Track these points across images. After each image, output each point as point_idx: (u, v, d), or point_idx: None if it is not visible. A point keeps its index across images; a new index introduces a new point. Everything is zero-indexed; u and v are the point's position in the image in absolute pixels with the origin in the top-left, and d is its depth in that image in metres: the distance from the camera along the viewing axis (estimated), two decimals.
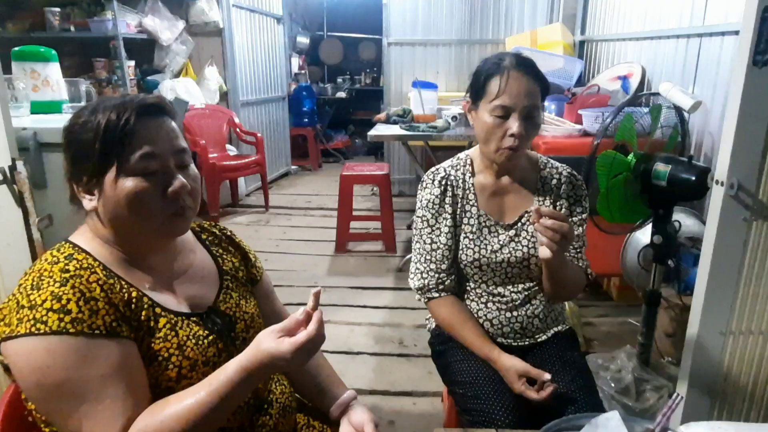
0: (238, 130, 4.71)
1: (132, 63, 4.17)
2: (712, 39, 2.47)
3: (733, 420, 1.43)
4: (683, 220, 2.02)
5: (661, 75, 2.93)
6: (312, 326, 0.82)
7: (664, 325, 2.17)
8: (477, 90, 1.34)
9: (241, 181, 4.91)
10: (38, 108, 2.41)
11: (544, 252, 1.18)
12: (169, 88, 4.33)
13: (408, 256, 3.39)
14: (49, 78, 2.45)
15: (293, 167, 6.30)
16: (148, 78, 4.41)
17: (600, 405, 1.32)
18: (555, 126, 2.80)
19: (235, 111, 4.83)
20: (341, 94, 7.23)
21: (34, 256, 1.38)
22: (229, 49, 4.75)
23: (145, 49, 4.42)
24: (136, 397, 0.82)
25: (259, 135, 4.66)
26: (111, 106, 0.87)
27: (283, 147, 6.08)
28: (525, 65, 1.30)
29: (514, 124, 1.27)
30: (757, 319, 1.47)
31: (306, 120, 6.48)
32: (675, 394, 0.99)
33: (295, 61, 6.91)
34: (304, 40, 7.34)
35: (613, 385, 1.88)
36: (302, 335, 0.81)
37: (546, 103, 3.10)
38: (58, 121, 2.08)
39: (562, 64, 3.70)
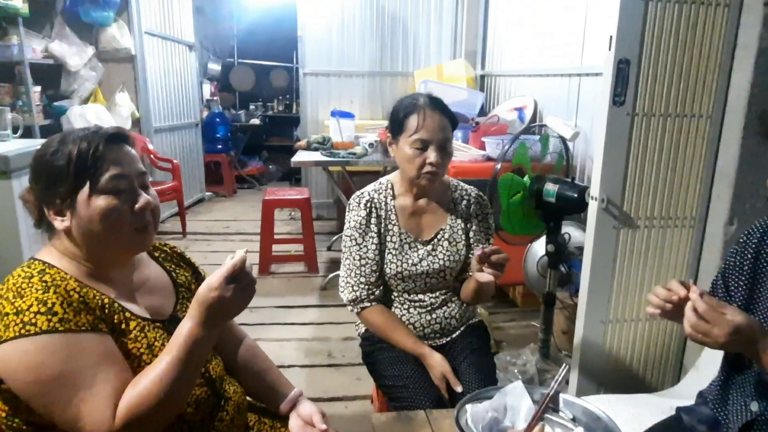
0: (152, 156, 4.66)
1: (38, 89, 4.03)
2: (589, 78, 2.91)
3: (615, 393, 1.73)
4: (572, 232, 2.36)
5: (551, 107, 3.35)
6: (235, 258, 0.93)
7: (560, 323, 2.50)
8: (396, 126, 1.55)
9: None
10: None
11: (487, 277, 1.32)
12: (79, 114, 4.21)
13: (331, 276, 3.55)
14: None
15: (207, 193, 6.25)
16: (55, 104, 4.27)
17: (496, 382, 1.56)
18: (462, 152, 3.12)
19: (149, 137, 4.78)
20: (255, 121, 7.29)
21: None
22: (141, 75, 4.72)
23: (51, 74, 4.28)
24: (124, 379, 0.91)
25: (175, 161, 4.64)
26: (79, 137, 0.99)
27: (197, 173, 6.03)
28: (437, 104, 1.53)
29: (431, 155, 1.49)
30: (628, 309, 1.80)
31: (220, 146, 6.47)
32: (564, 365, 1.24)
33: (207, 88, 6.91)
34: (215, 67, 7.35)
35: (519, 377, 2.15)
36: (226, 266, 0.92)
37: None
38: None
39: (465, 95, 4.08)
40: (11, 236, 1.94)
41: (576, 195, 1.93)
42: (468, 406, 1.12)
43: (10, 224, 1.94)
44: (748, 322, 0.93)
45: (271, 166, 7.53)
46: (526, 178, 2.10)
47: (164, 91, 5.19)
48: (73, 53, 4.29)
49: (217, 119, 6.48)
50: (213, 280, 0.92)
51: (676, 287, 1.01)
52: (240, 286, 0.94)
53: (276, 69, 7.77)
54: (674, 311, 1.03)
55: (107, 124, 4.03)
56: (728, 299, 1.16)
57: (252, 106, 7.61)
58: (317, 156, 3.38)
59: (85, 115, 4.26)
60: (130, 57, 4.65)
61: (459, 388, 1.45)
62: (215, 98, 7.03)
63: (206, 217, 5.42)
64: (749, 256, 1.12)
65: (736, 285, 1.14)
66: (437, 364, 1.50)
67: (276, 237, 3.79)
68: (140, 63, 4.69)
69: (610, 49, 1.60)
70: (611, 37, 1.58)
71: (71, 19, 4.29)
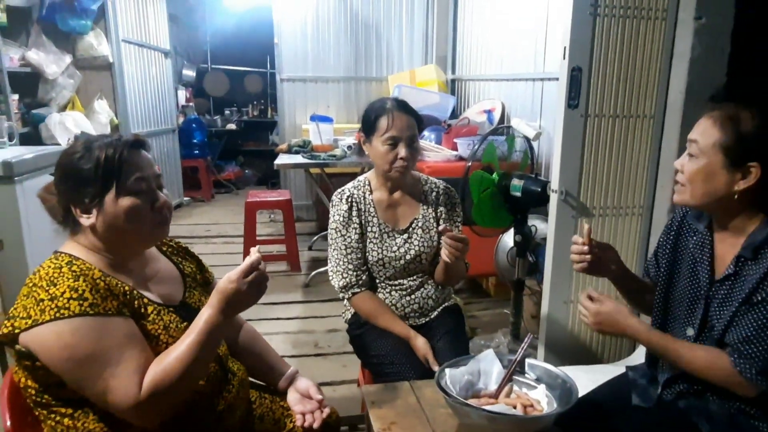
0: None
1: (16, 97, 4.07)
2: (551, 82, 3.12)
3: (578, 365, 1.92)
4: (538, 224, 2.56)
5: (517, 109, 3.57)
6: (251, 257, 1.07)
7: (529, 308, 2.70)
8: (369, 127, 1.74)
9: None
10: None
11: (447, 257, 1.56)
12: (58, 122, 4.26)
13: (313, 273, 3.70)
14: None
15: (185, 199, 6.30)
16: (33, 112, 4.31)
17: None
18: (435, 152, 3.31)
19: None
20: (232, 126, 7.37)
21: None
22: (120, 82, 4.78)
23: (28, 82, 4.32)
24: (148, 356, 1.05)
25: (156, 167, 4.70)
26: (105, 143, 1.12)
27: (175, 179, 6.08)
28: (403, 106, 1.73)
29: (402, 150, 1.68)
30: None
31: (197, 151, 6.54)
32: (528, 334, 1.42)
33: (182, 94, 6.96)
34: (190, 73, 7.41)
35: None
36: (244, 263, 1.07)
37: (426, 133, 3.64)
38: None
39: (437, 99, 4.27)
40: (15, 238, 2.05)
41: (539, 189, 2.12)
42: (447, 371, 1.30)
43: (14, 227, 2.05)
44: (609, 309, 1.23)
45: (247, 171, 7.61)
46: (494, 175, 2.28)
47: (142, 98, 5.26)
48: (50, 61, 4.34)
49: (194, 125, 6.55)
50: (232, 274, 1.06)
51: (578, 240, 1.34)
52: (255, 281, 1.08)
53: (250, 74, 7.86)
54: (592, 266, 1.33)
55: (88, 132, 4.08)
56: (658, 272, 1.37)
57: (227, 112, 7.68)
58: (299, 159, 3.53)
59: (64, 123, 4.30)
60: (107, 64, 4.71)
61: (436, 368, 1.61)
62: (190, 104, 7.09)
63: (186, 221, 5.49)
64: (672, 235, 1.32)
65: (662, 259, 1.34)
66: (421, 347, 1.68)
67: (258, 238, 3.91)
68: (118, 70, 4.76)
69: (564, 58, 1.80)
70: (565, 47, 1.78)
71: (48, 28, 4.33)
